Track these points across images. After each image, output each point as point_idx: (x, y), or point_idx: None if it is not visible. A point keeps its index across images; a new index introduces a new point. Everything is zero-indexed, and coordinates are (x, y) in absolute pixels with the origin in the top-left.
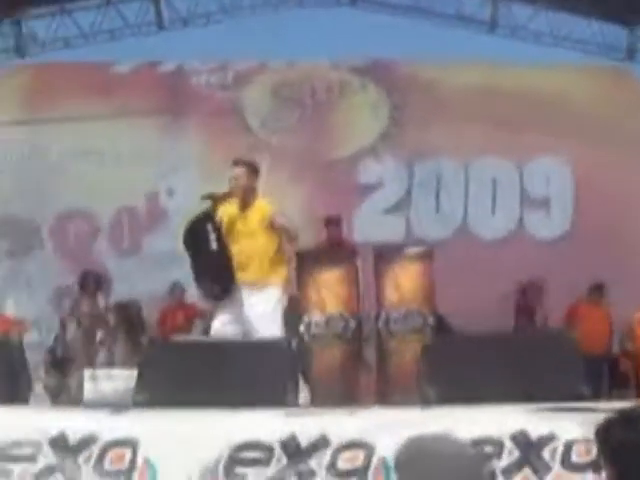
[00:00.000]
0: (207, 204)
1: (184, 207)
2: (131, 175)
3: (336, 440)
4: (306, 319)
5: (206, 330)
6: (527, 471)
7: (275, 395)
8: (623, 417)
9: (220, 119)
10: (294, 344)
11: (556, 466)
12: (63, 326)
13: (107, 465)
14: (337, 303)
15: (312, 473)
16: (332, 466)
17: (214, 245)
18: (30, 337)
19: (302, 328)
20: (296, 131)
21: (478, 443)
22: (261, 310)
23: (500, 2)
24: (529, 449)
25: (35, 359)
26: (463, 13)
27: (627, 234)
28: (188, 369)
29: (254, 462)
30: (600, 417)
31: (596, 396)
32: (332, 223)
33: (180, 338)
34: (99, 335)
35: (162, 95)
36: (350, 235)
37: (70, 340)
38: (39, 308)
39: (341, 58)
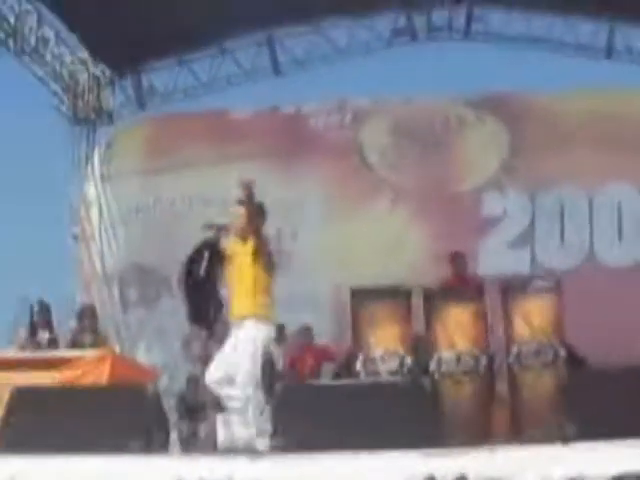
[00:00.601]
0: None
1: (308, 248)
2: None
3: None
4: (436, 357)
5: (337, 373)
6: None
7: (410, 436)
8: None
9: (340, 159)
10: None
11: None
12: (193, 372)
13: None
14: (466, 340)
15: None
16: None
17: (203, 272)
18: (160, 383)
19: (432, 366)
20: (416, 167)
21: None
22: (241, 349)
23: (616, 28)
24: None
25: (165, 405)
26: (578, 41)
27: None
28: (323, 412)
29: None
30: None
31: None
32: (457, 259)
33: (314, 381)
34: None
35: (281, 138)
36: (475, 269)
37: (201, 385)
38: (169, 354)
39: (456, 92)
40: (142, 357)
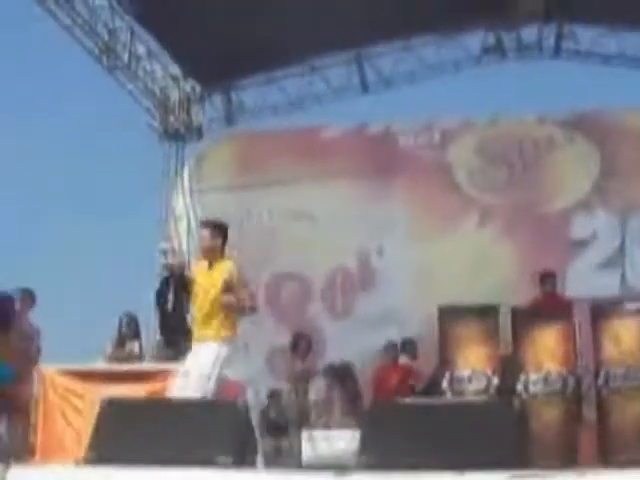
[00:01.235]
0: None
1: (394, 266)
2: (342, 236)
3: None
4: (523, 377)
5: (423, 391)
6: None
7: (497, 457)
8: None
9: (428, 178)
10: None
11: None
12: (276, 387)
13: None
14: (554, 361)
15: None
16: None
17: (170, 306)
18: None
19: (519, 387)
20: (505, 187)
21: None
22: (199, 367)
23: None
24: None
25: None
26: None
27: None
28: (410, 430)
29: None
30: None
31: None
32: (547, 278)
33: (402, 400)
34: (313, 396)
35: (370, 157)
36: (563, 290)
37: (284, 402)
38: (254, 369)
39: (546, 111)
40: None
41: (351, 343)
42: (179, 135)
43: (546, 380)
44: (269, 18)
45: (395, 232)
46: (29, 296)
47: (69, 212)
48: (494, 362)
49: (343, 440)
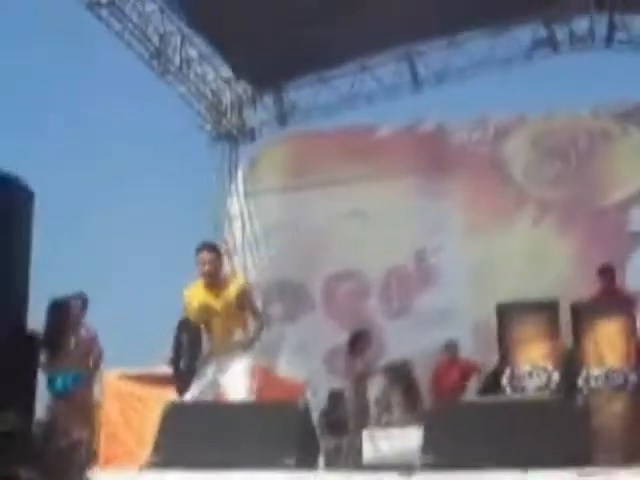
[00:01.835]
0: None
1: (451, 263)
2: (397, 234)
3: None
4: (584, 373)
5: (483, 388)
6: None
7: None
8: None
9: (483, 174)
10: (578, 400)
11: None
12: (335, 388)
13: None
14: (616, 355)
15: None
16: None
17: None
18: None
19: (580, 382)
20: (560, 181)
21: None
22: (234, 379)
23: None
24: None
25: None
26: None
27: None
28: (473, 428)
29: None
30: None
31: None
32: (606, 272)
33: (465, 398)
34: (373, 395)
35: (424, 154)
36: (623, 284)
37: (344, 401)
38: (312, 369)
39: (600, 104)
40: (284, 372)
41: (409, 341)
42: (232, 137)
43: (607, 375)
44: (318, 18)
45: (451, 229)
46: (82, 301)
47: (124, 216)
48: (555, 358)
49: (404, 438)
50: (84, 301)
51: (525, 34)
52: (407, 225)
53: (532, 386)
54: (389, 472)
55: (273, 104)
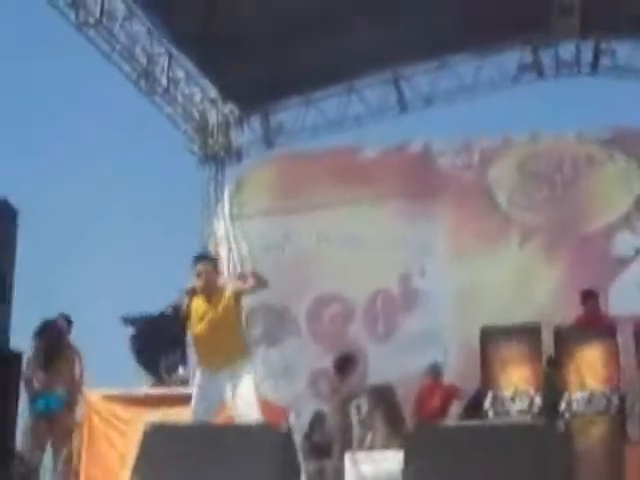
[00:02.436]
0: None
1: (436, 287)
2: (383, 258)
3: None
4: (567, 397)
5: (467, 411)
6: None
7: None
8: None
9: (468, 199)
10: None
11: None
12: (319, 410)
13: None
14: (598, 379)
15: None
16: None
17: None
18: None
19: (563, 406)
20: (545, 206)
21: None
22: (244, 395)
23: None
24: None
25: None
26: None
27: None
28: (456, 453)
29: None
30: None
31: None
32: (589, 297)
33: (446, 422)
34: (356, 418)
35: (410, 178)
36: (606, 308)
37: (327, 424)
38: (296, 392)
39: (585, 128)
40: (268, 396)
41: (393, 365)
42: (218, 158)
43: (590, 399)
44: (305, 41)
45: (436, 253)
46: (68, 321)
47: (108, 235)
48: (537, 381)
49: (386, 461)
50: (69, 322)
51: (512, 59)
52: (393, 249)
53: (514, 410)
54: None
55: (260, 125)
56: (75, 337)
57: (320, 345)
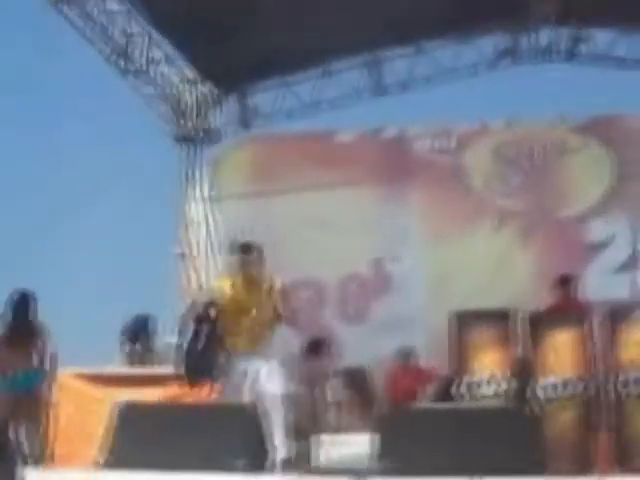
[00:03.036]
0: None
1: (409, 272)
2: (356, 242)
3: None
4: (541, 382)
5: (436, 395)
6: None
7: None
8: None
9: (443, 183)
10: (530, 408)
11: None
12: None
13: None
14: (571, 365)
15: None
16: None
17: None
18: None
19: (536, 391)
20: (521, 192)
21: None
22: (266, 371)
23: None
24: None
25: None
26: None
27: None
28: (429, 435)
29: None
30: None
31: None
32: (564, 282)
33: (420, 404)
34: (327, 400)
35: (385, 162)
36: (581, 294)
37: (296, 405)
38: None
39: (561, 115)
40: None
41: (365, 348)
42: (195, 139)
43: (562, 384)
44: (284, 22)
45: (410, 237)
46: (32, 298)
47: (80, 215)
48: (509, 366)
49: (356, 444)
50: (34, 298)
51: (489, 44)
52: (366, 233)
53: (486, 394)
54: (339, 477)
55: (237, 107)
56: (50, 315)
57: (292, 329)
